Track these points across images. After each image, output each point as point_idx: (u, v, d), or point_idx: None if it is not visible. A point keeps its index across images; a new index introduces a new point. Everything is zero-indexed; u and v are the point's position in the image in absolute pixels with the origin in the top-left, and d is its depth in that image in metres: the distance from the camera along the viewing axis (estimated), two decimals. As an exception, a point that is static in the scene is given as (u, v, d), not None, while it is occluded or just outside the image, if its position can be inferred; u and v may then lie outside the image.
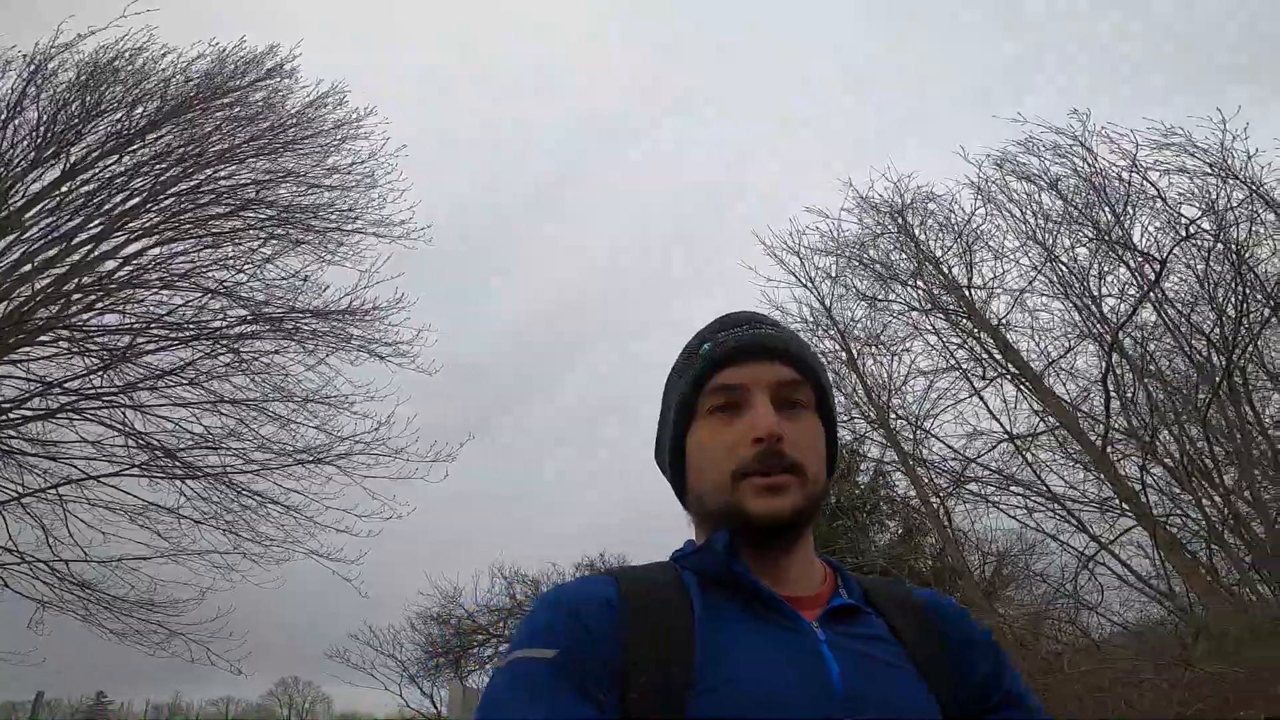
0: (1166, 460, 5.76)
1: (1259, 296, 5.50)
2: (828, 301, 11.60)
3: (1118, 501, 5.35)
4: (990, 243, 9.21)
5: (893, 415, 10.34)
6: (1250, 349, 5.58)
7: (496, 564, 19.06)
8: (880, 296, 10.69)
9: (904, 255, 10.76)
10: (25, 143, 9.09)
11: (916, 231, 10.61)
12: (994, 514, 8.28)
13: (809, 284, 11.77)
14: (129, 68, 9.74)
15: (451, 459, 9.96)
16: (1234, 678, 4.03)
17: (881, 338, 11.01)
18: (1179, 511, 5.54)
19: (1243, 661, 4.09)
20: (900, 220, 10.69)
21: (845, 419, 14.02)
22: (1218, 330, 6.04)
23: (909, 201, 10.57)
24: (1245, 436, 5.39)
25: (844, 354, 11.39)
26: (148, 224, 9.68)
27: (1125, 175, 7.21)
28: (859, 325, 11.37)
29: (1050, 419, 6.90)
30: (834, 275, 11.29)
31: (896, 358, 10.76)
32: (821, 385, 0.96)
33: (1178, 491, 5.52)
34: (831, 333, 11.60)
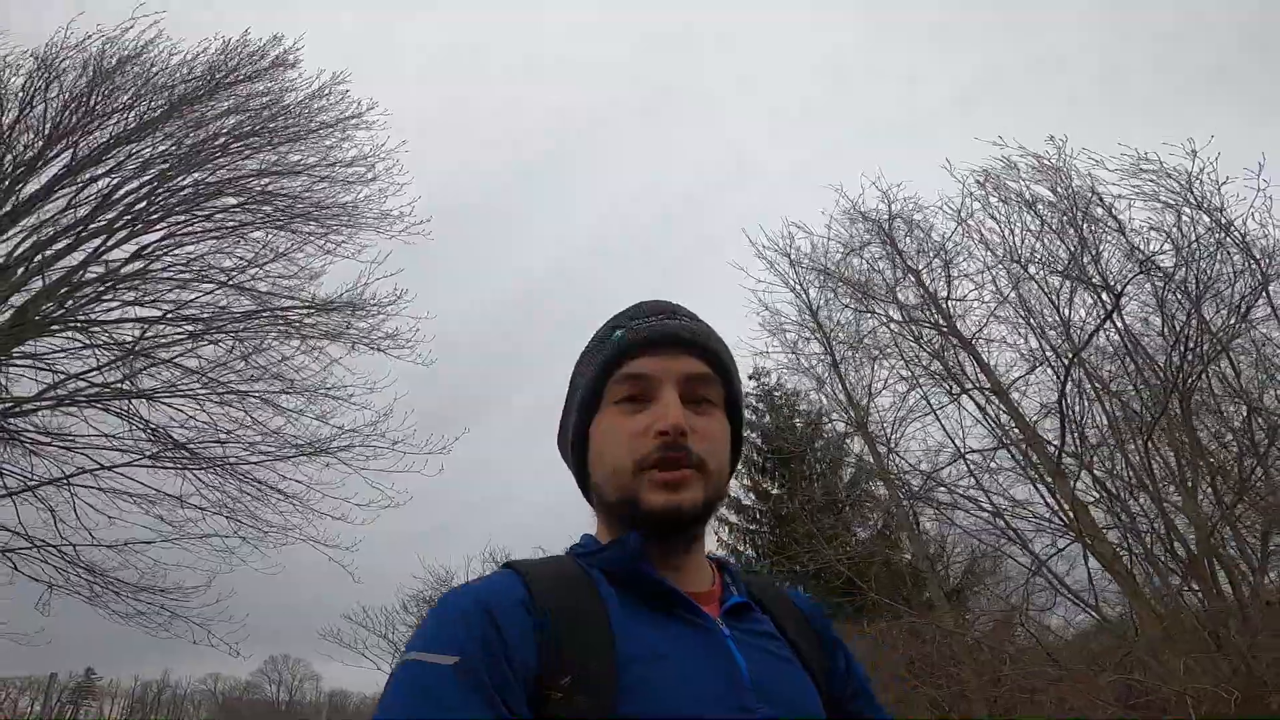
0: (1106, 479, 6.20)
1: (1207, 335, 5.88)
2: (815, 305, 11.99)
3: (1061, 516, 5.78)
4: (969, 259, 9.60)
5: (871, 419, 10.78)
6: (1199, 378, 5.99)
7: (488, 548, 19.54)
8: (863, 308, 11.05)
9: (888, 265, 11.14)
10: (35, 137, 9.33)
11: (901, 243, 10.97)
12: (963, 519, 8.75)
13: (798, 287, 12.14)
14: (135, 66, 9.95)
15: (447, 451, 10.28)
16: (1152, 685, 4.45)
17: (864, 342, 11.42)
18: (1119, 525, 5.98)
19: (1163, 669, 4.52)
20: (886, 232, 11.03)
21: (828, 419, 14.49)
22: (1174, 356, 6.46)
23: (896, 211, 10.91)
24: (1193, 457, 5.82)
25: (829, 357, 11.80)
26: (154, 217, 9.94)
27: (1093, 203, 7.61)
28: (844, 330, 11.77)
29: (1009, 435, 7.32)
30: (820, 284, 11.66)
31: (878, 362, 11.18)
32: (733, 384, 0.95)
33: (1117, 509, 5.95)
34: (817, 336, 12.01)
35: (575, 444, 0.95)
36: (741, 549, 15.73)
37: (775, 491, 15.72)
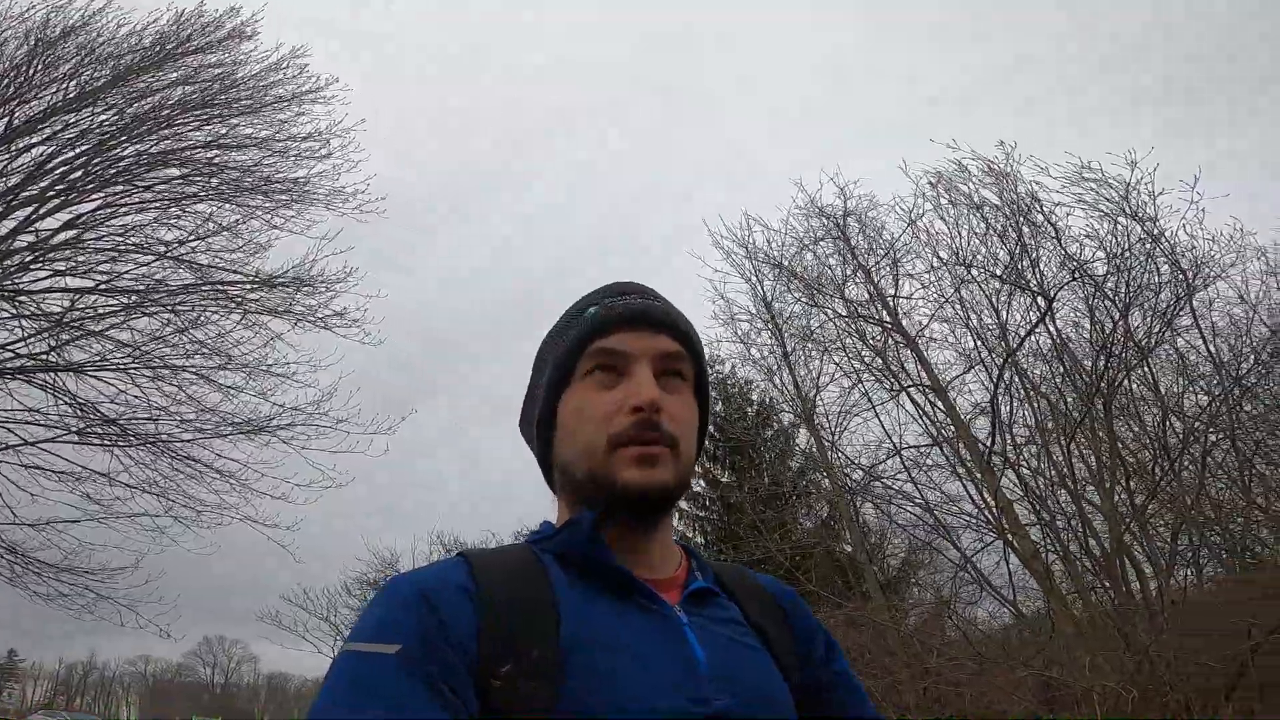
0: (1030, 478, 6.47)
1: (1132, 342, 6.15)
2: (769, 297, 12.14)
3: (987, 513, 6.02)
4: (917, 259, 9.83)
5: (818, 412, 11.00)
6: (1122, 383, 6.28)
7: (435, 531, 19.37)
8: (815, 302, 11.23)
9: (839, 261, 11.33)
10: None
11: (853, 240, 11.16)
12: (899, 513, 9.02)
13: (753, 279, 12.26)
14: (79, 36, 9.54)
15: (392, 431, 10.19)
16: (1065, 681, 4.68)
17: (815, 336, 11.62)
18: (1039, 523, 6.25)
19: (1073, 665, 4.75)
20: (840, 228, 11.19)
21: (778, 410, 14.68)
22: (1100, 361, 6.75)
23: (851, 208, 11.08)
24: (1111, 458, 6.11)
25: (780, 349, 11.97)
26: (89, 186, 9.54)
27: (1034, 209, 7.86)
28: (796, 322, 11.95)
29: (944, 432, 7.55)
30: (774, 277, 11.80)
31: (827, 354, 11.39)
32: (701, 365, 0.95)
33: (1038, 507, 6.22)
34: (770, 327, 12.16)
35: (541, 423, 0.93)
36: (691, 535, 15.95)
37: (725, 479, 15.96)
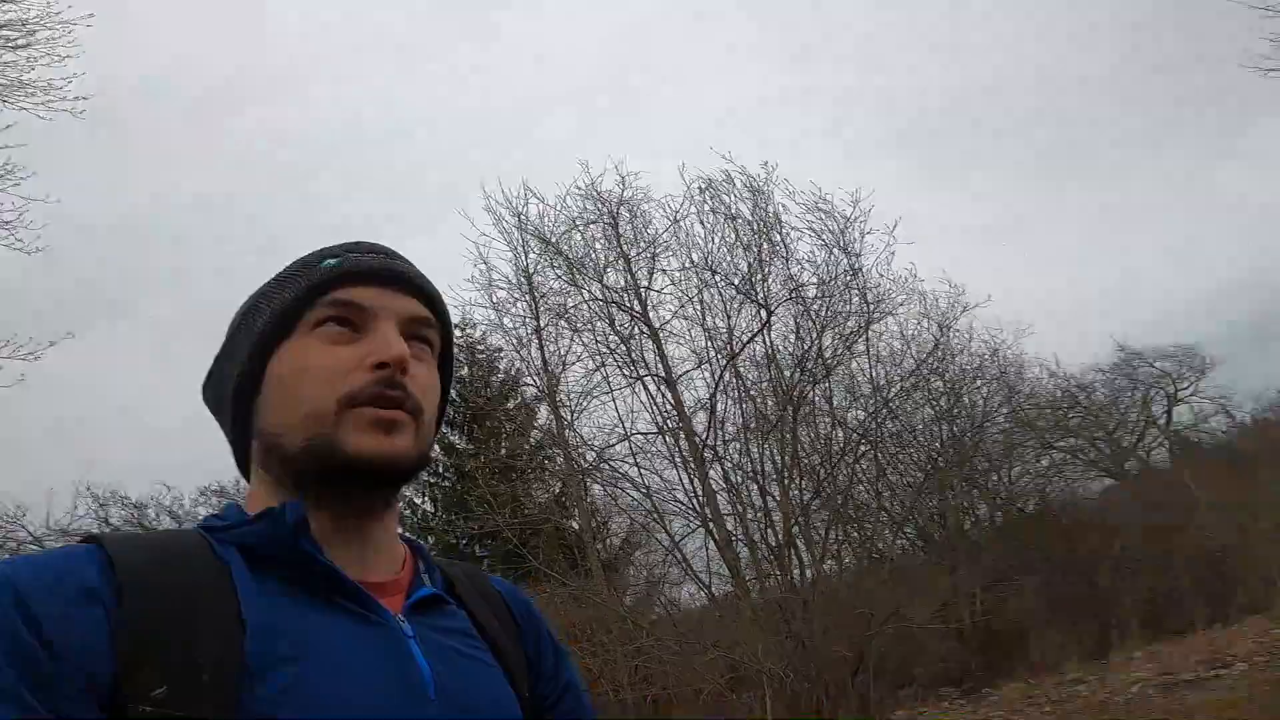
0: (732, 471, 7.40)
1: (821, 362, 7.27)
2: (531, 269, 12.16)
3: (694, 501, 6.79)
4: (673, 257, 10.56)
5: (561, 390, 11.34)
6: (809, 394, 7.40)
7: (83, 480, 15.13)
8: (575, 282, 11.51)
9: (606, 246, 11.72)
10: None
11: (623, 228, 11.60)
12: (624, 497, 9.70)
13: (520, 247, 12.18)
14: None
15: (36, 357, 8.81)
16: (740, 661, 5.41)
17: (569, 315, 11.90)
18: (734, 514, 7.19)
19: (750, 648, 5.50)
20: (613, 215, 11.54)
21: (523, 383, 14.80)
22: (796, 373, 7.89)
23: (626, 198, 11.47)
24: (791, 458, 7.18)
25: (534, 321, 12.07)
26: None
27: (774, 229, 8.86)
28: (553, 299, 12.13)
29: (669, 422, 8.29)
30: (540, 250, 11.86)
31: (577, 335, 11.74)
32: (448, 335, 0.86)
33: (734, 499, 7.15)
34: (527, 299, 12.20)
35: (241, 386, 0.76)
36: (420, 501, 15.54)
37: (462, 446, 15.75)
